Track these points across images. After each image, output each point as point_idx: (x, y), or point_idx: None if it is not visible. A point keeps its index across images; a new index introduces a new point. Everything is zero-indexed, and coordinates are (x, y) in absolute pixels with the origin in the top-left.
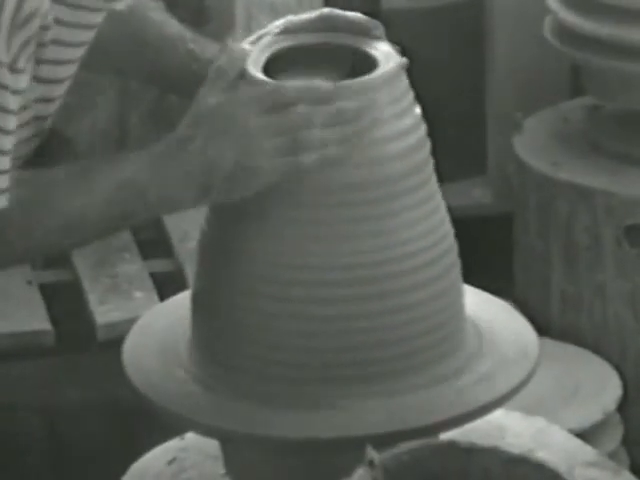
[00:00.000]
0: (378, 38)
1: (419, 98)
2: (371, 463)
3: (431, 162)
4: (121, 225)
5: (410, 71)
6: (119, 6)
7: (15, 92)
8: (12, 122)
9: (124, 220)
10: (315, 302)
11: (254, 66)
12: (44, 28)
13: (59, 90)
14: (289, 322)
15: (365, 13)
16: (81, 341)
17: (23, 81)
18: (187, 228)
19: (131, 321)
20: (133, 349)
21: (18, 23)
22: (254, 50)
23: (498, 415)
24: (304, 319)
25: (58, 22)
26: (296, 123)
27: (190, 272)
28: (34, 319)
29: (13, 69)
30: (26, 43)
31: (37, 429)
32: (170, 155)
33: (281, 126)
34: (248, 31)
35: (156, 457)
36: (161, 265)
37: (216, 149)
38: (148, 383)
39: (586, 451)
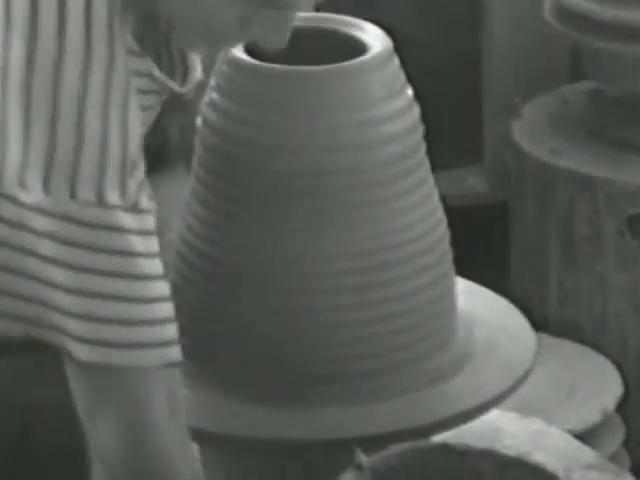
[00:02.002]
0: None
1: (413, 82)
2: (359, 466)
3: (424, 146)
4: None
5: (405, 55)
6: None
7: (141, 233)
8: (147, 265)
9: None
10: (304, 294)
11: (237, 47)
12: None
13: None
14: (274, 316)
15: None
16: None
17: (150, 221)
18: (166, 217)
19: None
20: None
21: (128, 168)
22: None
23: (493, 416)
24: (290, 313)
25: None
26: None
27: (170, 262)
28: None
29: (135, 210)
30: (142, 184)
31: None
32: None
33: None
34: None
35: None
36: None
37: None
38: None
39: (585, 453)
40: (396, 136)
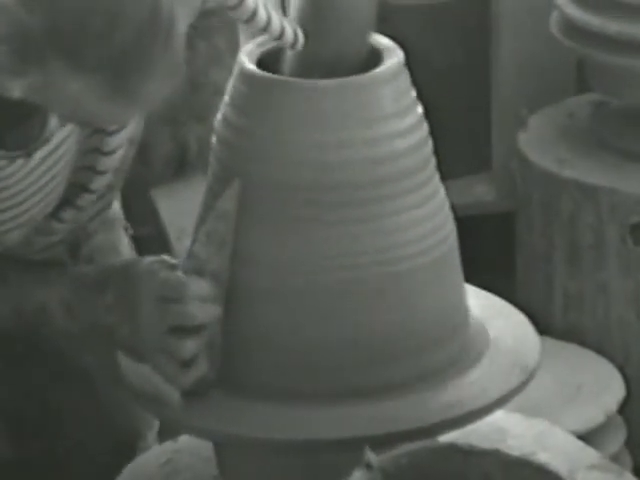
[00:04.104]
0: None
1: (423, 94)
2: (368, 465)
3: (433, 160)
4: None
5: (414, 66)
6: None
7: None
8: None
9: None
10: (311, 301)
11: (249, 59)
12: None
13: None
14: (283, 318)
15: None
16: None
17: None
18: (184, 225)
19: None
20: None
21: None
22: (250, 44)
23: (498, 417)
24: (299, 315)
25: None
26: (180, 320)
27: None
28: None
29: None
30: None
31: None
32: (84, 300)
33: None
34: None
35: (150, 459)
36: None
37: (116, 319)
38: (143, 383)
39: (588, 453)
40: (405, 152)
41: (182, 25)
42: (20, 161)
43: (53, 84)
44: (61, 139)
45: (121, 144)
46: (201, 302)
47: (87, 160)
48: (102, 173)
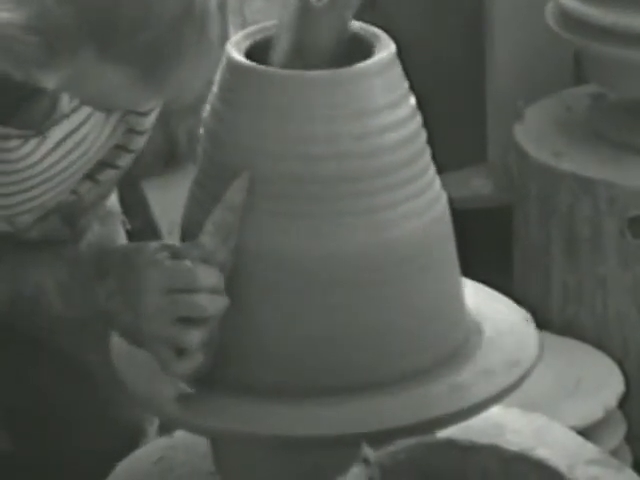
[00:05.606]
0: None
1: (418, 86)
2: (366, 461)
3: (428, 152)
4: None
5: (409, 58)
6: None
7: None
8: None
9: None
10: (305, 297)
11: (236, 50)
12: None
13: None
14: (277, 314)
15: None
16: None
17: None
18: (176, 218)
19: None
20: (122, 344)
21: None
22: (238, 35)
23: (497, 412)
24: (293, 311)
25: None
26: (189, 311)
27: None
28: None
29: None
30: None
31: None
32: (83, 285)
33: (175, 312)
34: (241, 15)
35: (144, 456)
36: None
37: (117, 305)
38: (138, 379)
39: (588, 448)
40: (399, 144)
41: (214, 6)
42: (34, 141)
43: (85, 74)
44: (78, 122)
45: (153, 123)
46: (210, 293)
47: (120, 140)
48: (132, 152)
